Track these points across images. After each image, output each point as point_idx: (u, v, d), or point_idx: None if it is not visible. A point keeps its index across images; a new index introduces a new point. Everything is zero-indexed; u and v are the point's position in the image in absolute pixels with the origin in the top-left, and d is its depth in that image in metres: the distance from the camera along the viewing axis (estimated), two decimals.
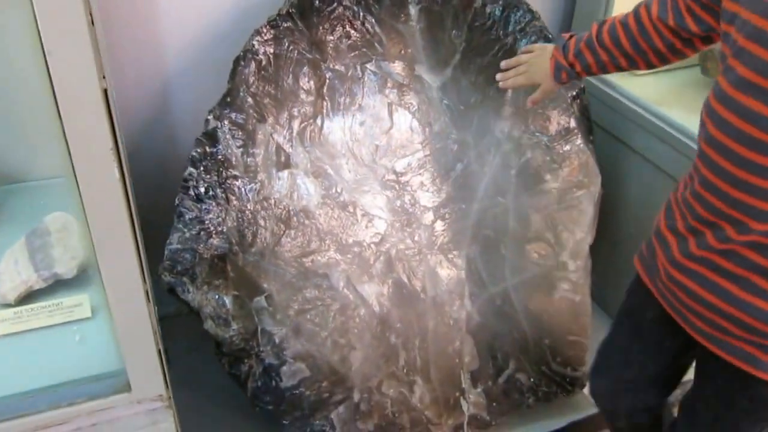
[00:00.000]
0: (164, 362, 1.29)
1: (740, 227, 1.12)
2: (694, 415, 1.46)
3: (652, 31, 1.40)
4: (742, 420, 1.36)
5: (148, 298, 1.16)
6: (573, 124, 1.91)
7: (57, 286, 1.47)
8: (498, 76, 1.77)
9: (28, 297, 1.44)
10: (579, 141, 1.91)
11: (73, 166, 0.93)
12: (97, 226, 1.01)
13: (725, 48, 1.12)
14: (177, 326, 1.81)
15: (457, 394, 1.83)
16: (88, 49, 0.84)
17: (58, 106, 0.87)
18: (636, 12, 1.44)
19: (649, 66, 1.49)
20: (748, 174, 1.08)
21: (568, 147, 1.90)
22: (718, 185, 1.14)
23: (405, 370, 1.77)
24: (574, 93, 1.91)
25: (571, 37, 1.58)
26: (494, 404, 1.87)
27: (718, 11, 1.20)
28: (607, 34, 1.48)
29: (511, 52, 1.83)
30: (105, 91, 0.90)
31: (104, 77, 0.91)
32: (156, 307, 1.32)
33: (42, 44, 0.81)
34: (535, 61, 1.68)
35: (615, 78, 2.07)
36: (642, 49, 1.43)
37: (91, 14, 0.86)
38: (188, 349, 1.93)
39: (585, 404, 1.99)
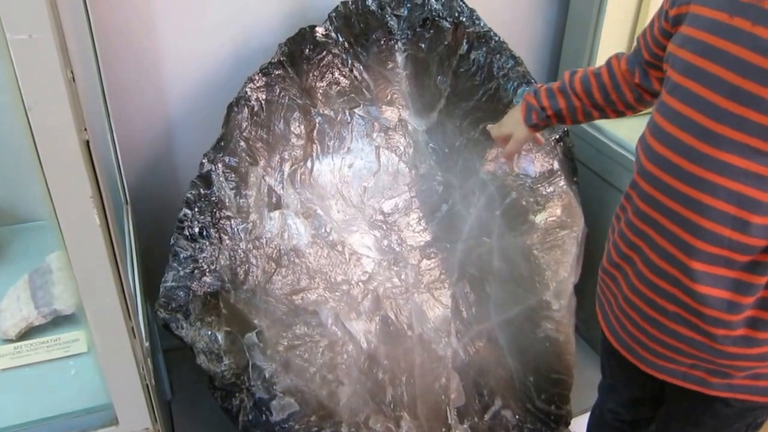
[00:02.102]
0: (154, 396, 1.31)
1: (667, 257, 1.15)
2: None
3: (623, 83, 1.41)
4: None
5: (134, 336, 1.18)
6: (556, 166, 1.93)
7: (56, 321, 1.49)
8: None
9: (29, 332, 1.46)
10: (562, 182, 1.93)
11: (55, 213, 0.96)
12: (80, 270, 1.03)
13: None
14: (182, 358, 1.82)
15: (444, 430, 1.82)
16: (66, 106, 0.87)
17: (39, 157, 0.90)
18: (608, 64, 1.45)
19: (618, 114, 1.50)
20: (680, 206, 1.11)
21: (551, 188, 1.92)
22: (651, 214, 1.17)
23: (392, 406, 1.77)
24: (558, 136, 1.93)
25: (542, 86, 1.58)
26: None
27: None
28: (579, 83, 1.48)
29: (494, 97, 1.87)
30: (86, 143, 0.94)
31: (85, 129, 0.94)
32: (147, 344, 1.34)
33: (23, 100, 0.85)
34: (509, 113, 1.67)
35: (600, 121, 2.10)
36: (612, 100, 1.44)
37: (71, 71, 0.90)
38: (193, 380, 1.95)
39: None
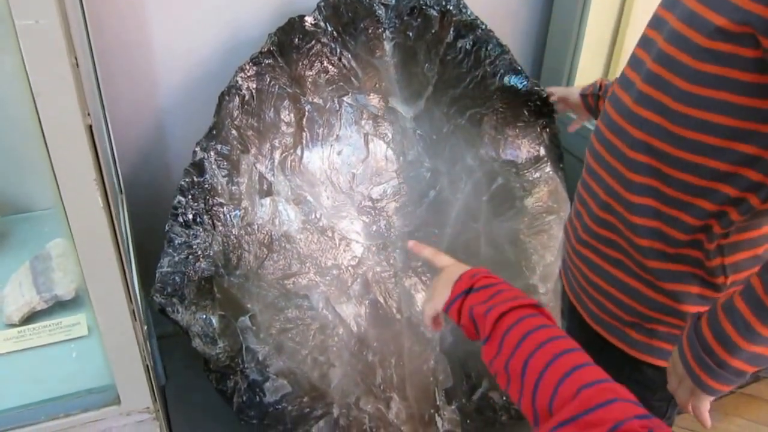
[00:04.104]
0: (153, 377, 1.34)
1: (610, 211, 1.21)
2: None
3: None
4: None
5: (135, 318, 1.20)
6: (543, 152, 1.96)
7: (57, 306, 1.52)
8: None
9: (31, 317, 1.49)
10: (548, 168, 1.96)
11: (60, 197, 1.00)
12: (84, 252, 1.05)
13: None
14: (175, 344, 1.85)
15: (432, 411, 1.86)
16: (71, 91, 0.90)
17: (46, 142, 0.94)
18: None
19: None
20: (618, 162, 1.17)
21: (537, 174, 1.95)
22: (596, 169, 1.24)
23: (382, 387, 1.81)
24: (544, 122, 1.97)
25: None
26: (468, 421, 1.90)
27: None
28: None
29: (481, 85, 1.90)
30: (89, 128, 0.98)
31: (89, 114, 0.98)
32: (145, 327, 1.37)
33: (30, 87, 0.89)
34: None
35: None
36: None
37: (75, 58, 0.93)
38: (185, 366, 1.98)
39: None
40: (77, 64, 0.94)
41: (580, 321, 1.43)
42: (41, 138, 0.94)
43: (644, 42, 1.16)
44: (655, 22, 1.14)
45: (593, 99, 1.70)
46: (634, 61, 1.18)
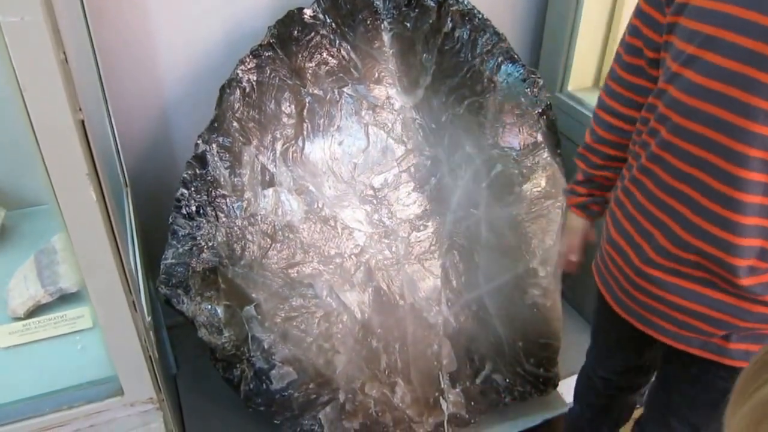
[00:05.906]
0: (158, 368, 1.32)
1: (702, 233, 1.13)
2: (664, 404, 1.44)
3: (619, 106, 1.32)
4: (719, 400, 1.35)
5: (135, 310, 1.19)
6: (540, 138, 1.92)
7: (62, 299, 1.50)
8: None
9: (36, 310, 1.47)
10: (546, 154, 1.92)
11: (54, 192, 0.97)
12: (81, 247, 1.03)
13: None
14: (186, 334, 1.83)
15: (437, 394, 1.84)
16: (60, 87, 0.87)
17: (36, 137, 0.91)
18: (595, 114, 1.38)
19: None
20: (722, 183, 1.09)
21: (535, 160, 1.91)
22: (683, 190, 1.14)
23: (387, 372, 1.78)
24: (541, 109, 1.93)
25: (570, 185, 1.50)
26: (472, 403, 1.88)
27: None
28: (594, 156, 1.41)
29: (479, 73, 1.87)
30: (82, 123, 0.94)
31: (80, 109, 0.95)
32: (150, 318, 1.35)
33: (18, 81, 0.85)
34: (564, 233, 1.58)
35: (582, 93, 2.10)
36: (621, 129, 1.34)
37: (64, 53, 0.90)
38: (196, 355, 1.96)
39: (558, 403, 2.01)
40: (66, 59, 0.91)
41: (650, 339, 1.33)
42: (32, 132, 0.91)
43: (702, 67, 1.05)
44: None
45: (598, 207, 1.50)
46: (714, 71, 1.04)
